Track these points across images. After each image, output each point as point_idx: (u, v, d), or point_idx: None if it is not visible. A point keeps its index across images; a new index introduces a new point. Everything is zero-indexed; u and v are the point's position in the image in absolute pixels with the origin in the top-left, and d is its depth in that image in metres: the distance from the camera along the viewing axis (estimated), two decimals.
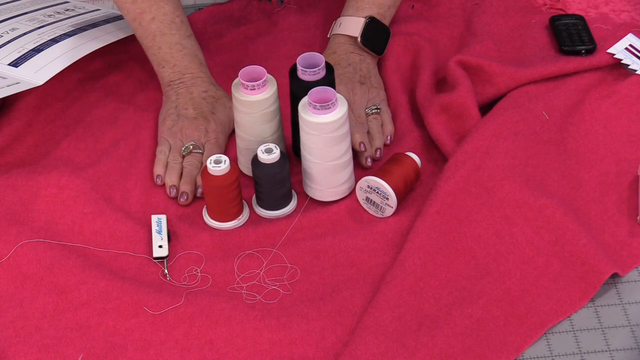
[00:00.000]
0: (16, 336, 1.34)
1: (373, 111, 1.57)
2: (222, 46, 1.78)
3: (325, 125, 1.40)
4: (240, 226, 1.47)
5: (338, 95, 1.41)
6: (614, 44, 1.64)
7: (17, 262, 1.41)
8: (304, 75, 1.46)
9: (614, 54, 1.62)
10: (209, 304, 1.35)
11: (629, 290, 1.37)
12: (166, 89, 1.60)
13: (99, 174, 1.55)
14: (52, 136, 1.62)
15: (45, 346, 1.32)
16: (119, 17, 1.79)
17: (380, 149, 1.54)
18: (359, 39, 1.62)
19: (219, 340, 1.32)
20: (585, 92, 1.60)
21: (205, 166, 1.43)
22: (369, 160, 1.53)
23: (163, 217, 1.47)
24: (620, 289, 1.37)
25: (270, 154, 1.43)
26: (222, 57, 1.76)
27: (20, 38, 1.68)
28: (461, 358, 1.28)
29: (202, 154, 1.53)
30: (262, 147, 1.44)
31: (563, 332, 1.32)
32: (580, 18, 1.72)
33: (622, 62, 1.62)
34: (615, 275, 1.38)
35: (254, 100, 1.46)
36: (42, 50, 1.64)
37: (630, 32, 1.68)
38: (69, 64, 1.62)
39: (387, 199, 1.44)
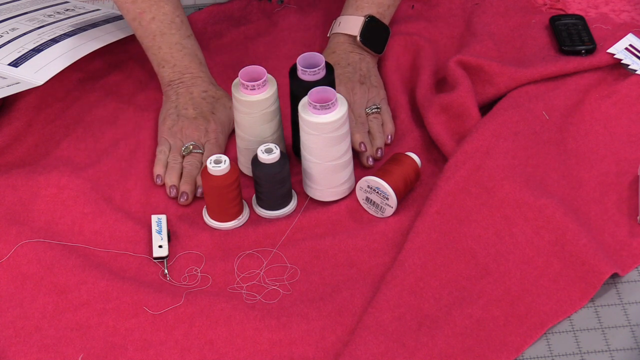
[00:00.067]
0: (16, 336, 1.34)
1: (373, 110, 1.57)
2: (222, 46, 1.78)
3: (325, 125, 1.40)
4: (240, 226, 1.47)
5: (338, 95, 1.41)
6: (614, 44, 1.64)
7: (17, 262, 1.41)
8: (304, 75, 1.46)
9: (614, 54, 1.62)
10: (209, 304, 1.35)
11: (629, 290, 1.37)
12: (166, 88, 1.60)
13: (99, 174, 1.55)
14: (52, 136, 1.62)
15: (45, 346, 1.32)
16: (119, 17, 1.79)
17: (381, 148, 1.54)
18: (358, 38, 1.62)
19: (219, 340, 1.32)
20: (585, 92, 1.60)
21: (205, 166, 1.43)
22: (370, 159, 1.53)
23: (163, 217, 1.47)
24: (620, 289, 1.37)
25: (270, 154, 1.43)
26: (222, 57, 1.76)
27: (20, 38, 1.68)
28: (461, 358, 1.28)
29: (202, 154, 1.53)
30: (262, 147, 1.44)
31: (563, 332, 1.32)
32: (580, 18, 1.72)
33: (622, 62, 1.62)
34: (615, 275, 1.38)
35: (254, 100, 1.46)
36: (42, 50, 1.64)
37: (630, 32, 1.68)
38: (69, 64, 1.62)
39: (387, 199, 1.44)
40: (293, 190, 1.50)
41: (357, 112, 1.56)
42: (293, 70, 1.48)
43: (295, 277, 1.40)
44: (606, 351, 1.30)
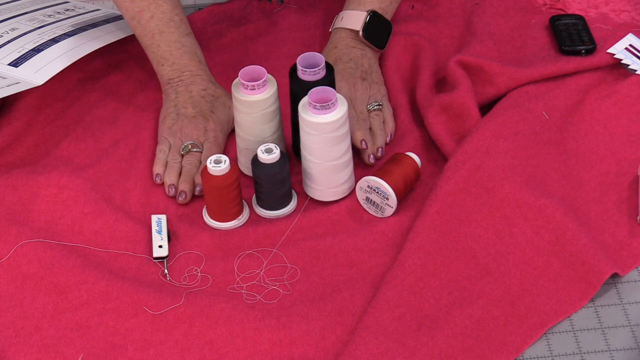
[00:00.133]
0: (16, 336, 1.34)
1: (375, 107, 1.57)
2: (222, 46, 1.78)
3: (325, 125, 1.40)
4: (240, 226, 1.47)
5: (338, 95, 1.41)
6: (614, 44, 1.64)
7: (17, 262, 1.41)
8: (304, 75, 1.46)
9: (614, 54, 1.62)
10: (209, 304, 1.35)
11: (629, 290, 1.37)
12: (165, 87, 1.60)
13: (99, 174, 1.55)
14: (52, 136, 1.62)
15: (45, 346, 1.32)
16: (119, 17, 1.79)
17: (382, 147, 1.54)
18: (360, 33, 1.62)
19: (219, 340, 1.32)
20: (585, 92, 1.60)
21: (205, 166, 1.43)
22: (372, 157, 1.52)
23: (163, 217, 1.47)
24: (620, 289, 1.37)
25: (270, 154, 1.43)
26: (222, 57, 1.76)
27: (20, 38, 1.68)
28: (461, 358, 1.28)
29: (201, 152, 1.53)
30: (262, 147, 1.44)
31: (563, 332, 1.32)
32: (580, 18, 1.72)
33: (622, 62, 1.62)
34: (615, 275, 1.38)
35: (254, 100, 1.46)
36: (42, 50, 1.64)
37: (630, 32, 1.68)
38: (69, 64, 1.62)
39: (387, 199, 1.44)
40: (293, 190, 1.50)
41: (359, 108, 1.56)
42: (293, 70, 1.48)
43: (295, 277, 1.40)
44: (606, 351, 1.29)
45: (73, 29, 1.72)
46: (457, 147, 1.50)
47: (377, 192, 1.45)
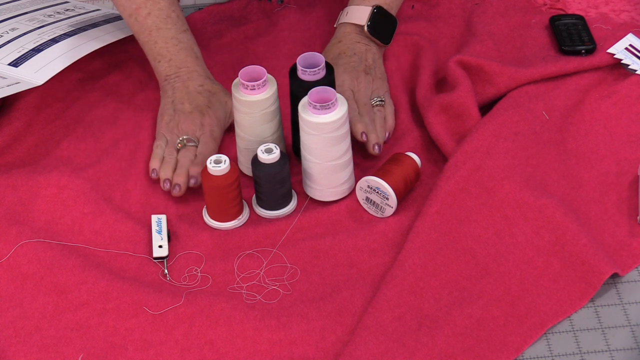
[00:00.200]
0: (16, 336, 1.34)
1: (377, 103, 1.56)
2: (222, 46, 1.78)
3: (325, 125, 1.40)
4: (240, 226, 1.47)
5: (338, 95, 1.41)
6: (614, 44, 1.64)
7: (17, 262, 1.41)
8: (304, 75, 1.46)
9: (614, 54, 1.62)
10: (209, 304, 1.35)
11: (629, 290, 1.37)
12: (163, 83, 1.60)
13: (99, 174, 1.55)
14: (52, 136, 1.62)
15: (45, 346, 1.32)
16: (119, 17, 1.79)
17: (381, 144, 1.53)
18: (365, 28, 1.62)
19: (219, 340, 1.32)
20: (585, 92, 1.60)
21: (206, 166, 1.43)
22: (377, 147, 1.51)
23: (163, 217, 1.47)
24: (620, 289, 1.37)
25: (270, 154, 1.43)
26: (222, 57, 1.76)
27: (20, 38, 1.68)
28: (461, 358, 1.28)
29: (197, 147, 1.52)
30: (262, 147, 1.44)
31: (563, 332, 1.32)
32: (580, 18, 1.72)
33: (622, 62, 1.62)
34: (615, 275, 1.38)
35: (254, 100, 1.46)
36: (42, 50, 1.64)
37: (630, 32, 1.68)
38: (69, 64, 1.62)
39: (387, 199, 1.44)
40: (293, 190, 1.50)
41: (362, 100, 1.55)
42: (293, 70, 1.48)
43: (295, 277, 1.40)
44: (606, 351, 1.29)
45: (73, 29, 1.72)
46: (457, 147, 1.50)
47: (377, 192, 1.45)
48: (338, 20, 1.67)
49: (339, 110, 1.41)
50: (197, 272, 1.41)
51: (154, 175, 1.51)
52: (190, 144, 1.52)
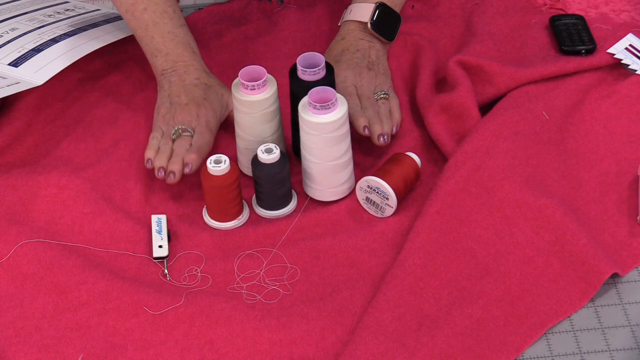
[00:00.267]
0: (16, 336, 1.34)
1: (381, 97, 1.56)
2: (222, 46, 1.78)
3: (325, 125, 1.40)
4: (240, 226, 1.47)
5: (338, 95, 1.41)
6: (614, 44, 1.64)
7: (17, 262, 1.41)
8: (304, 75, 1.46)
9: (614, 54, 1.62)
10: (209, 304, 1.35)
11: (629, 290, 1.37)
12: (159, 78, 1.60)
13: (99, 174, 1.55)
14: (52, 136, 1.62)
15: (45, 346, 1.32)
16: (119, 17, 1.79)
17: (387, 134, 1.52)
18: (369, 25, 1.62)
19: (219, 340, 1.32)
20: (585, 92, 1.60)
21: (206, 166, 1.43)
22: (382, 138, 1.51)
23: (163, 217, 1.47)
24: (620, 289, 1.37)
25: (270, 154, 1.43)
26: (222, 57, 1.76)
27: (20, 38, 1.68)
28: (461, 358, 1.28)
29: (192, 137, 1.51)
30: (262, 147, 1.44)
31: (563, 332, 1.32)
32: (580, 18, 1.72)
33: (622, 62, 1.62)
34: (615, 275, 1.38)
35: (254, 100, 1.46)
36: (42, 50, 1.64)
37: (630, 32, 1.68)
38: (69, 64, 1.62)
39: (387, 199, 1.44)
40: (293, 190, 1.50)
41: (365, 94, 1.55)
42: (293, 70, 1.48)
43: (295, 277, 1.40)
44: (606, 351, 1.29)
45: (73, 29, 1.72)
46: (457, 147, 1.50)
47: (377, 192, 1.45)
48: (342, 18, 1.67)
49: (339, 110, 1.41)
50: (197, 272, 1.41)
51: (148, 165, 1.50)
52: (186, 134, 1.51)
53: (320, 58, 1.46)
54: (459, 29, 1.76)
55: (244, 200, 1.49)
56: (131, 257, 1.44)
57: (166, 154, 1.49)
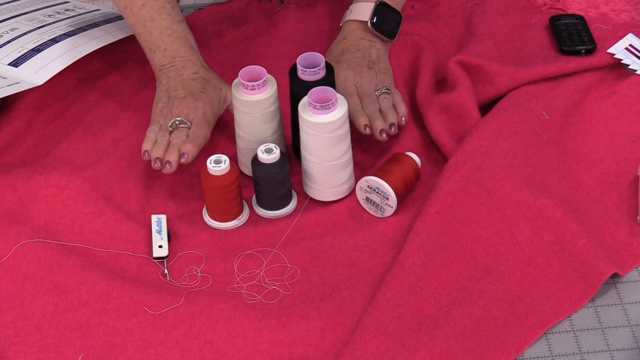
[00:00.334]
0: (16, 336, 1.34)
1: (383, 92, 1.56)
2: (222, 46, 1.78)
3: (325, 125, 1.40)
4: (240, 226, 1.47)
5: (338, 95, 1.41)
6: (614, 44, 1.64)
7: (17, 262, 1.41)
8: (304, 75, 1.46)
9: (614, 54, 1.62)
10: (209, 304, 1.35)
11: (629, 290, 1.37)
12: (158, 73, 1.59)
13: (99, 174, 1.55)
14: (52, 136, 1.62)
15: (45, 346, 1.32)
16: (119, 17, 1.79)
17: (394, 124, 1.51)
18: (369, 23, 1.62)
19: (219, 340, 1.32)
20: (585, 92, 1.60)
21: (206, 166, 1.43)
22: (384, 133, 1.51)
23: (163, 217, 1.47)
24: (620, 289, 1.37)
25: (270, 154, 1.43)
26: (222, 57, 1.76)
27: (20, 38, 1.68)
28: (461, 358, 1.28)
29: (189, 129, 1.51)
30: (262, 147, 1.44)
31: (563, 332, 1.32)
32: (580, 18, 1.72)
33: (622, 62, 1.62)
34: (615, 275, 1.38)
35: (254, 100, 1.46)
36: (42, 50, 1.64)
37: (630, 32, 1.68)
38: (69, 64, 1.62)
39: (387, 199, 1.44)
40: (293, 190, 1.50)
41: (366, 92, 1.54)
42: (293, 70, 1.48)
43: (295, 277, 1.40)
44: (606, 351, 1.29)
45: (73, 29, 1.72)
46: (457, 147, 1.50)
47: (377, 192, 1.45)
48: (343, 18, 1.67)
49: (339, 110, 1.41)
50: (197, 272, 1.41)
51: (145, 157, 1.49)
52: (183, 125, 1.50)
53: (320, 58, 1.46)
54: (459, 29, 1.76)
55: (244, 200, 1.49)
56: (131, 257, 1.44)
57: (163, 146, 1.48)
